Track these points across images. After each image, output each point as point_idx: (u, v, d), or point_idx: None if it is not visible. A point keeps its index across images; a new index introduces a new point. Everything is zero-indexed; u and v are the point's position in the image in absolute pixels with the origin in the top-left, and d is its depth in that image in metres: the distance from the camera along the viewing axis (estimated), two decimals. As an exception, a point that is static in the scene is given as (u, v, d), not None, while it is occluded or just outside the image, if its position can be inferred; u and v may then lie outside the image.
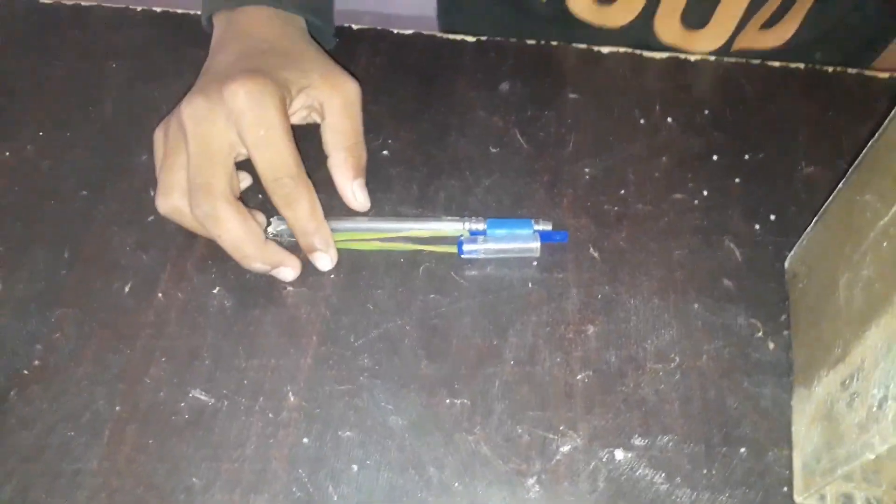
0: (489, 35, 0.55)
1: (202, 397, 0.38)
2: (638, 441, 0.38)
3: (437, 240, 0.44)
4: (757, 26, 0.58)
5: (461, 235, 0.44)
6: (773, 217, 0.46)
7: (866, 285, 0.33)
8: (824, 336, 0.37)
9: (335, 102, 0.44)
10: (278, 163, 0.40)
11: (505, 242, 0.43)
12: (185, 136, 0.40)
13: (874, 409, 0.30)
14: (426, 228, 0.44)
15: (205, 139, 0.40)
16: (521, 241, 0.43)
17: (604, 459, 0.37)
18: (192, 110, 0.40)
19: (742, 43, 0.59)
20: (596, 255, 0.44)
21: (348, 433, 0.37)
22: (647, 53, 0.54)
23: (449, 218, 0.44)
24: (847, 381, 0.33)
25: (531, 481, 0.37)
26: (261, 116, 0.40)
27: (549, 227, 0.44)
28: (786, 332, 0.41)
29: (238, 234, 0.40)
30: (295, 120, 0.44)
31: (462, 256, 0.43)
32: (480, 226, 0.44)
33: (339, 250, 0.43)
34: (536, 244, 0.43)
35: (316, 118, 0.45)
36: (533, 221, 0.44)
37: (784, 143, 0.49)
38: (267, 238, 0.42)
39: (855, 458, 0.31)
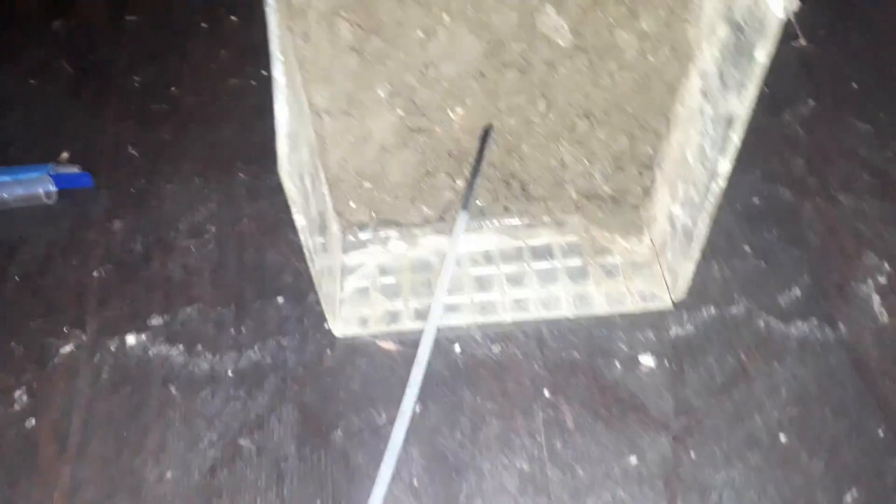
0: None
1: None
2: (156, 321, 0.33)
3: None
4: None
5: None
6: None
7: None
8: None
9: None
10: None
11: (7, 191, 0.36)
12: None
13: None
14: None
15: None
16: (30, 187, 0.37)
17: (112, 349, 0.32)
18: None
19: None
20: (135, 152, 0.39)
21: None
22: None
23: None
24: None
25: (18, 393, 0.31)
26: None
27: (75, 170, 0.38)
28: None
29: None
30: None
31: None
32: None
33: None
34: (51, 189, 0.37)
35: None
36: (54, 163, 0.38)
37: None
38: None
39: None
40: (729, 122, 0.25)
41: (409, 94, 0.31)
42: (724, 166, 0.26)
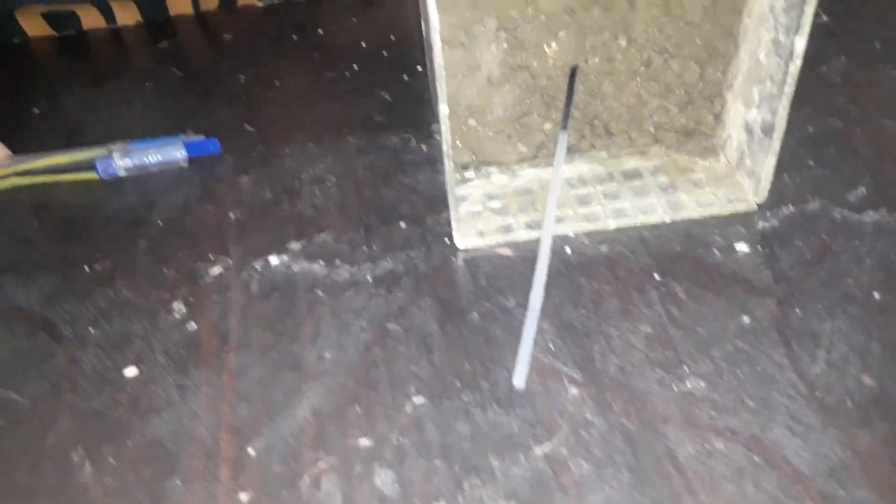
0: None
1: None
2: (294, 245, 0.36)
3: (76, 166, 0.42)
4: None
5: (99, 158, 0.41)
6: (419, 68, 0.48)
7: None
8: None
9: None
10: None
11: (146, 157, 0.41)
12: None
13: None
14: (66, 156, 0.42)
15: None
16: (164, 154, 0.42)
17: (258, 268, 0.35)
18: None
19: None
20: (250, 128, 0.44)
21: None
22: None
23: (90, 148, 0.43)
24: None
25: (176, 304, 0.34)
26: None
27: (200, 137, 0.43)
28: (437, 138, 0.42)
29: None
30: None
31: (102, 177, 0.41)
32: (127, 144, 0.42)
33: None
34: (182, 154, 0.41)
35: None
36: (182, 135, 0.43)
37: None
38: None
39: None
40: (802, 2, 0.30)
41: (513, 28, 0.36)
42: (801, 43, 0.31)
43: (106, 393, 0.31)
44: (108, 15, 0.57)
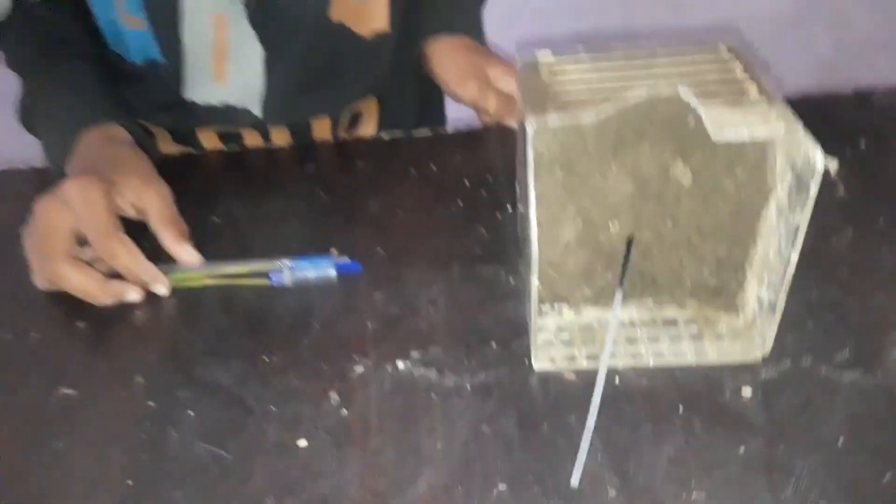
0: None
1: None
2: (414, 354, 0.50)
3: (252, 274, 0.56)
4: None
5: (271, 271, 0.56)
6: (510, 208, 0.62)
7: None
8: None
9: (152, 196, 0.57)
10: (101, 230, 0.53)
11: (306, 272, 0.56)
12: (35, 227, 0.54)
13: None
14: (248, 267, 0.57)
15: (46, 222, 0.54)
16: (320, 270, 0.56)
17: (389, 370, 0.49)
18: (39, 205, 0.54)
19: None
20: (383, 252, 0.58)
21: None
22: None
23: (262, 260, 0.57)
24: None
25: (332, 394, 0.47)
26: (86, 199, 0.53)
27: (345, 259, 0.57)
28: (522, 275, 0.55)
29: (79, 283, 0.53)
30: (129, 213, 0.58)
31: (273, 284, 0.56)
32: (288, 262, 0.56)
33: (186, 288, 0.55)
34: (332, 272, 0.56)
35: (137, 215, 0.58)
36: (333, 259, 0.57)
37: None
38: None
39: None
40: (796, 229, 0.42)
41: (586, 213, 0.49)
42: (794, 257, 0.43)
43: (285, 457, 0.44)
44: (266, 135, 0.72)
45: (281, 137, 0.72)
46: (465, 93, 0.71)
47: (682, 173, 0.48)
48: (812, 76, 1.59)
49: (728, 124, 0.42)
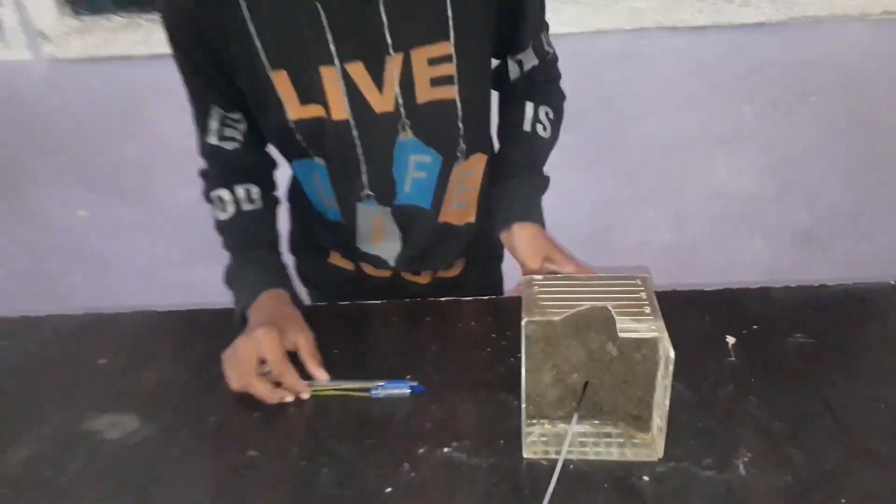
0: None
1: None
2: (454, 444, 0.85)
3: (359, 389, 0.93)
4: None
5: (371, 388, 0.93)
6: (512, 360, 0.97)
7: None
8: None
9: (301, 339, 0.96)
10: (276, 360, 0.92)
11: (394, 390, 0.92)
12: (234, 352, 0.92)
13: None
14: (357, 384, 0.93)
15: (245, 352, 0.93)
16: (400, 389, 0.93)
17: (438, 452, 0.84)
18: (240, 341, 0.93)
19: None
20: (437, 379, 0.94)
21: None
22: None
23: (362, 381, 0.94)
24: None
25: (405, 464, 0.83)
26: (268, 339, 0.92)
27: (415, 383, 0.94)
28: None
29: (264, 392, 0.90)
30: (288, 347, 0.96)
31: (372, 396, 0.92)
32: (381, 383, 0.93)
33: (320, 396, 0.92)
34: (408, 391, 0.92)
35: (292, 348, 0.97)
36: (408, 383, 0.93)
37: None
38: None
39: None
40: (667, 387, 0.77)
41: (558, 368, 0.84)
42: (667, 402, 0.77)
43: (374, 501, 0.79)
44: (397, 276, 1.13)
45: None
46: (535, 266, 1.07)
47: (612, 349, 0.84)
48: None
49: (629, 329, 0.78)
